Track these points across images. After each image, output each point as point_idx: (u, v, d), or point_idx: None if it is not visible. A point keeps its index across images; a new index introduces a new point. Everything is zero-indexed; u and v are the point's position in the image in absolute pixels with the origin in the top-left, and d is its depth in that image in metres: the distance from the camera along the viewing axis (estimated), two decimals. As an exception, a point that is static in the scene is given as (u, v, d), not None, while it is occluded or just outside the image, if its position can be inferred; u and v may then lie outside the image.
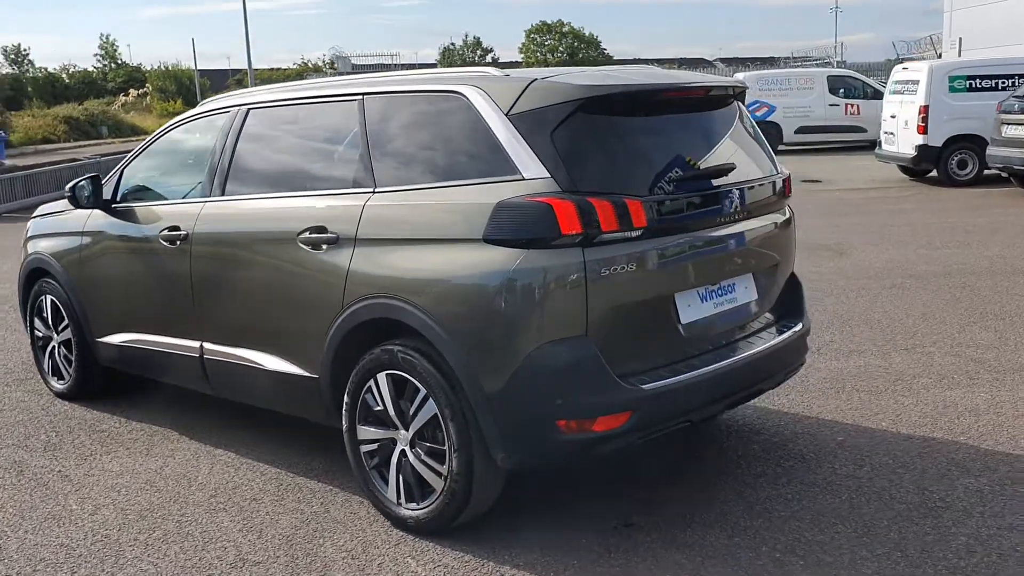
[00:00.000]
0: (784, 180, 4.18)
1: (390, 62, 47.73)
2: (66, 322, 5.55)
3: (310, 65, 79.22)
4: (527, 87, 3.54)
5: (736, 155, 3.93)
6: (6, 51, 76.39)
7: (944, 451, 4.40)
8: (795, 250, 4.41)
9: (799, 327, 4.20)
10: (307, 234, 3.96)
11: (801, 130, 22.36)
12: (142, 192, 5.15)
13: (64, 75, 76.54)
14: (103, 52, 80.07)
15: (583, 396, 3.33)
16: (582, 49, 78.80)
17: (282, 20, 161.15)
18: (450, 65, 79.13)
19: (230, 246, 4.41)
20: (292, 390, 4.17)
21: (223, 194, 4.53)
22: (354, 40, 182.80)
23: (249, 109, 4.58)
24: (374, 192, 3.83)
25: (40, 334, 5.83)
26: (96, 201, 5.14)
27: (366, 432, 3.85)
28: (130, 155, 5.31)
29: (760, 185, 3.98)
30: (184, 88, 65.46)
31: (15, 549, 3.77)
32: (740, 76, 23.50)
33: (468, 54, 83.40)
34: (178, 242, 4.62)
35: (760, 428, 4.80)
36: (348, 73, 45.51)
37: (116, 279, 5.14)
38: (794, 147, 22.73)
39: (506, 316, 3.34)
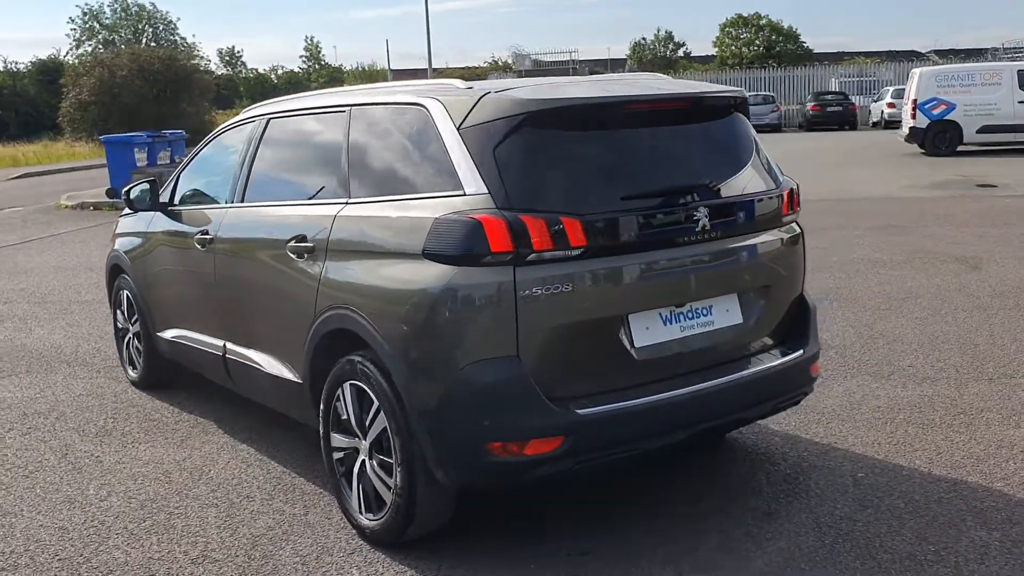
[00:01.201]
0: (782, 196, 3.89)
1: (568, 59, 47.85)
2: (136, 315, 5.94)
3: (500, 63, 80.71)
4: (478, 100, 3.48)
5: (717, 170, 3.71)
6: (221, 53, 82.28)
7: (970, 497, 3.98)
8: (803, 270, 4.10)
9: (797, 354, 3.90)
10: (293, 242, 4.06)
11: (984, 129, 20.68)
12: (193, 195, 5.43)
13: (272, 76, 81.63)
14: (308, 54, 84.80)
15: (512, 418, 3.24)
16: (779, 43, 76.08)
17: (486, 18, 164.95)
18: (640, 61, 78.46)
19: (241, 251, 4.59)
20: (286, 394, 4.29)
21: (243, 200, 4.72)
22: (550, 37, 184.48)
23: (270, 119, 4.75)
24: (347, 203, 3.88)
25: (119, 325, 6.27)
26: (153, 203, 5.47)
27: (336, 440, 3.91)
28: (186, 158, 5.62)
29: (746, 202, 3.73)
30: (378, 87, 68.19)
31: (21, 528, 4.08)
32: (920, 71, 21.99)
33: (660, 49, 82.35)
34: (207, 244, 4.85)
35: (779, 457, 4.51)
36: (526, 72, 46.01)
37: (167, 277, 5.46)
38: (975, 148, 21.07)
39: (437, 333, 3.30)
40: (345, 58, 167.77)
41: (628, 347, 3.43)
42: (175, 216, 5.36)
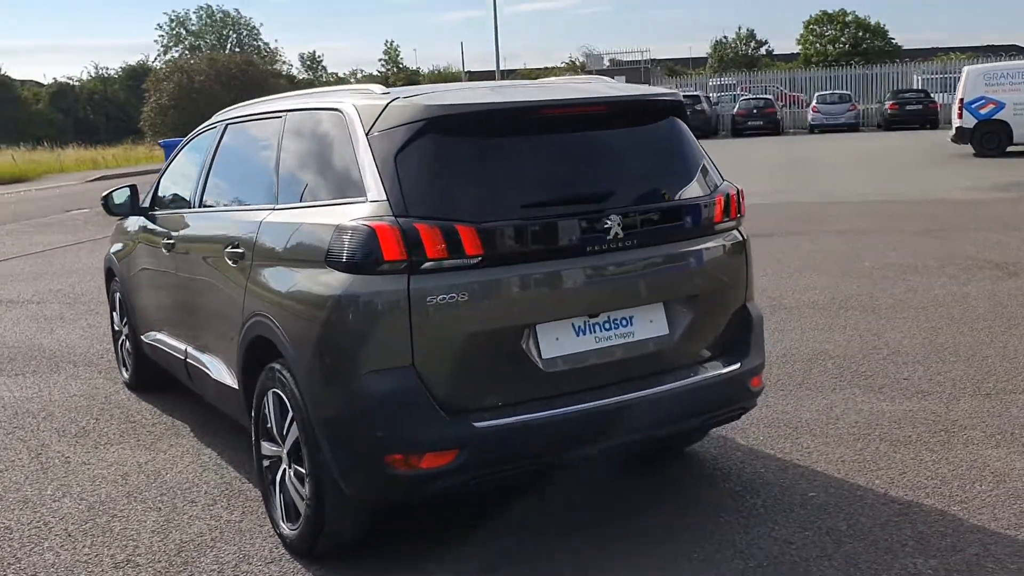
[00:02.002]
0: (713, 203, 3.73)
1: (640, 58, 47.38)
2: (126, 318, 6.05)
3: (576, 63, 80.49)
4: (386, 107, 3.43)
5: (637, 177, 3.58)
6: (303, 58, 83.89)
7: (920, 520, 3.76)
8: (747, 279, 3.93)
9: (732, 368, 3.74)
10: (229, 248, 4.07)
11: (1035, 129, 19.72)
12: (168, 199, 5.50)
13: (352, 79, 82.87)
14: (387, 57, 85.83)
15: (406, 430, 3.18)
16: (866, 39, 74.11)
17: (566, 19, 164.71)
18: (720, 59, 77.30)
19: (192, 256, 4.63)
20: (229, 399, 4.31)
21: (200, 206, 4.76)
22: (631, 37, 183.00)
23: (228, 124, 4.78)
24: (272, 210, 3.87)
25: (115, 327, 6.40)
26: (133, 208, 5.56)
27: (264, 447, 3.90)
28: (166, 162, 5.70)
29: (667, 209, 3.59)
30: (453, 89, 68.71)
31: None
32: (967, 69, 21.09)
33: (740, 47, 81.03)
34: (170, 249, 4.91)
35: (735, 472, 4.34)
36: (596, 72, 45.74)
37: (144, 280, 5.55)
38: (1024, 149, 20.14)
39: (334, 342, 3.26)
40: (426, 61, 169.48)
41: (534, 358, 3.33)
42: (152, 220, 5.44)
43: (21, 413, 5.82)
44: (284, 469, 3.72)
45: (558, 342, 3.39)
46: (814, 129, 37.63)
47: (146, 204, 5.57)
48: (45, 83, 73.16)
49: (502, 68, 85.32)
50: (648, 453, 4.49)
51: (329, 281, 3.28)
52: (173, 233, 4.91)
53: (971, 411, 4.98)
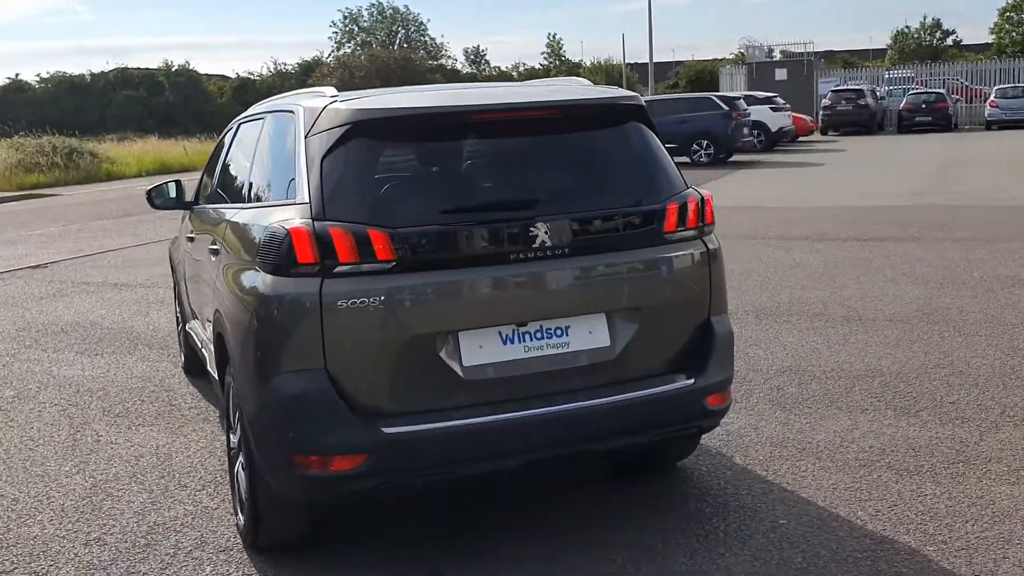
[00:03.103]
0: (663, 211, 3.56)
1: (803, 50, 45.47)
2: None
3: (743, 54, 78.35)
4: (323, 109, 3.46)
5: (577, 183, 3.48)
6: (467, 52, 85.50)
7: (885, 559, 3.49)
8: (711, 292, 3.73)
9: (683, 384, 3.57)
10: (212, 245, 4.22)
11: None
12: (198, 195, 5.74)
13: (514, 73, 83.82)
14: (549, 50, 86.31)
15: (315, 433, 3.21)
16: (1073, 27, 68.51)
17: (740, 8, 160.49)
18: (902, 51, 73.42)
19: (200, 251, 4.82)
20: (216, 391, 4.47)
21: (209, 202, 4.96)
22: (807, 26, 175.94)
23: (240, 123, 4.94)
24: (240, 209, 3.98)
25: (177, 314, 6.75)
26: (178, 202, 5.84)
27: (231, 438, 4.02)
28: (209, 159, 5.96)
29: (605, 217, 3.46)
30: (613, 82, 68.40)
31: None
32: None
33: (925, 37, 76.73)
34: (191, 244, 5.14)
35: (715, 493, 4.15)
36: (757, 65, 44.25)
37: (181, 273, 5.83)
38: None
39: (254, 342, 3.33)
40: (593, 53, 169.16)
41: (454, 366, 3.29)
42: (189, 214, 5.70)
43: (81, 391, 6.23)
44: (238, 460, 3.83)
45: (482, 350, 3.33)
46: (991, 125, 35.23)
47: (190, 199, 5.84)
48: (231, 78, 77.70)
49: (669, 60, 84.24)
50: (634, 463, 4.35)
51: (256, 282, 3.36)
52: (192, 227, 5.14)
53: (1005, 443, 4.56)
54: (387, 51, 48.53)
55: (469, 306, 3.32)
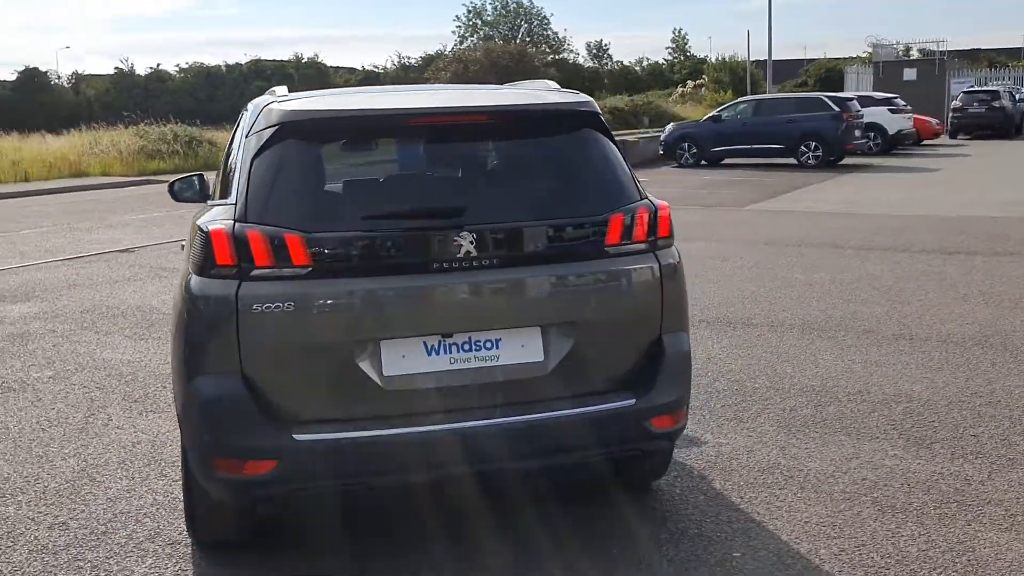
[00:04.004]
0: (605, 223, 3.39)
1: (935, 48, 43.21)
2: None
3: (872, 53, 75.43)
4: (262, 109, 3.44)
5: (510, 192, 3.35)
6: (589, 47, 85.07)
7: (828, 605, 3.23)
8: (662, 308, 3.53)
9: (622, 404, 3.40)
10: (182, 241, 4.27)
11: None
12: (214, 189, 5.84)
13: (637, 68, 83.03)
14: (674, 45, 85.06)
15: (227, 436, 3.20)
16: None
17: (878, 4, 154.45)
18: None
19: None
20: None
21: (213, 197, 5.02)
22: (971, 21, 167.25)
23: (242, 114, 4.98)
24: (204, 207, 4.01)
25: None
26: (201, 196, 5.95)
27: (188, 434, 4.06)
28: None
29: (544, 228, 3.32)
30: (737, 79, 66.80)
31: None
32: None
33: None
34: (196, 238, 5.22)
35: (675, 517, 3.96)
36: (884, 64, 42.38)
37: None
38: None
39: (178, 342, 3.35)
40: (722, 50, 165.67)
41: (373, 375, 3.22)
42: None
43: (112, 375, 6.44)
44: (189, 456, 3.87)
45: (404, 360, 3.25)
46: None
47: (210, 192, 5.94)
48: (357, 70, 79.61)
49: (799, 58, 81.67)
50: (601, 482, 4.19)
51: (185, 281, 3.37)
52: (198, 221, 5.22)
53: (1014, 484, 4.19)
54: (502, 45, 48.65)
55: (389, 315, 3.25)
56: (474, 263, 3.24)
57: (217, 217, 3.31)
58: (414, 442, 3.22)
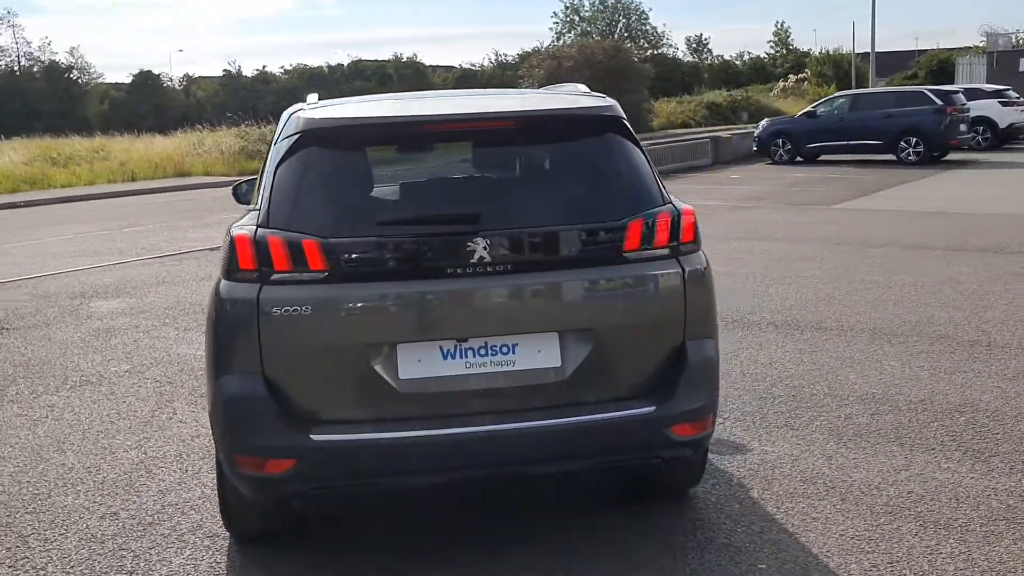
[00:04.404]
0: (622, 229, 3.35)
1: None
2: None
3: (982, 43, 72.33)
4: (290, 116, 3.52)
5: (527, 197, 3.35)
6: (689, 41, 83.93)
7: (849, 623, 3.14)
8: (685, 315, 3.47)
9: (641, 411, 3.36)
10: None
11: None
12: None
13: (738, 62, 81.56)
14: (776, 39, 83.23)
15: (247, 434, 3.30)
16: None
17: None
18: None
19: None
20: None
21: None
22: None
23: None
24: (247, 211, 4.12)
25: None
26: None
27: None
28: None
29: (558, 234, 3.31)
30: (842, 73, 64.95)
31: (54, 462, 4.95)
32: None
33: None
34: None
35: (706, 526, 3.90)
36: (998, 54, 40.58)
37: None
38: None
39: (208, 341, 3.45)
40: (827, 42, 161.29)
41: (389, 378, 3.27)
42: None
43: (185, 370, 6.69)
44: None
45: (420, 364, 3.29)
46: None
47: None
48: (455, 68, 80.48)
49: (910, 49, 78.85)
50: (637, 487, 4.15)
51: (216, 285, 3.47)
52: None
53: (1074, 501, 3.98)
54: (596, 42, 48.29)
55: (405, 319, 3.29)
56: (487, 268, 3.25)
57: (244, 222, 3.41)
58: (429, 445, 3.25)
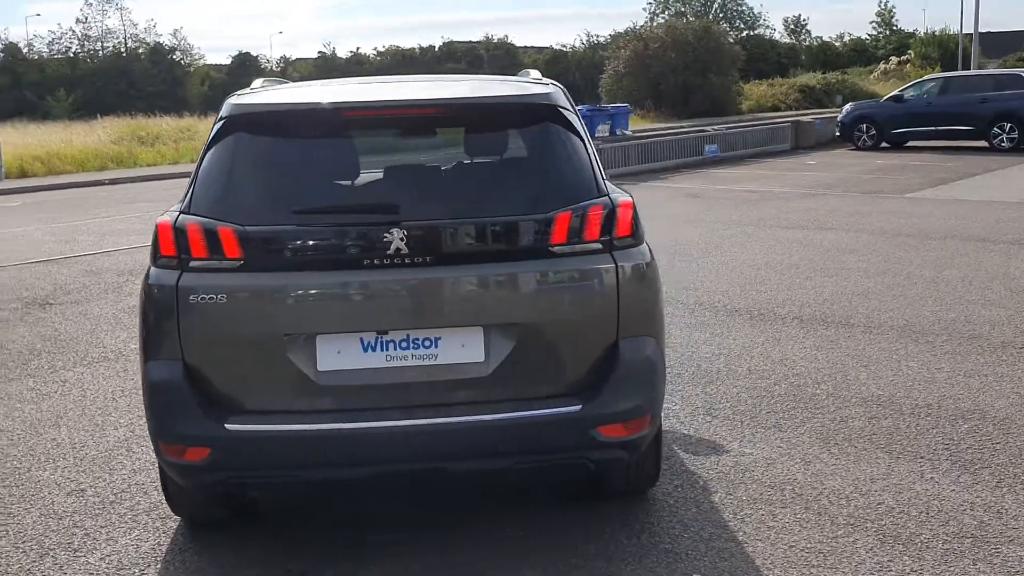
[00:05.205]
0: (549, 221, 3.22)
1: None
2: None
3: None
4: (226, 101, 3.50)
5: (448, 188, 3.26)
6: (787, 22, 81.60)
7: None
8: (619, 313, 3.32)
9: (566, 410, 3.25)
10: None
11: None
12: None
13: (838, 44, 78.95)
14: (879, 19, 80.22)
15: (167, 421, 3.31)
16: None
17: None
18: None
19: None
20: None
21: None
22: None
23: None
24: None
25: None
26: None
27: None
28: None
29: (478, 226, 3.21)
30: (948, 55, 62.23)
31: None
32: None
33: None
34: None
35: (648, 528, 3.76)
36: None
37: None
38: None
39: (140, 327, 3.46)
40: (937, 23, 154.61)
41: (307, 369, 3.23)
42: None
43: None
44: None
45: (340, 356, 3.24)
46: None
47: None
48: (545, 49, 79.98)
49: (1016, 29, 74.90)
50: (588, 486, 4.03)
51: (146, 271, 3.48)
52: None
53: (1058, 521, 3.70)
54: (685, 23, 47.25)
55: (322, 310, 3.25)
56: (405, 260, 3.18)
57: (173, 209, 3.41)
58: (346, 438, 3.21)
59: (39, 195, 19.31)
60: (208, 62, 75.71)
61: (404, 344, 3.26)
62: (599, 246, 3.30)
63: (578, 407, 3.26)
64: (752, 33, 72.20)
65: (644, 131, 25.49)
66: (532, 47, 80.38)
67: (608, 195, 3.37)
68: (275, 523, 4.01)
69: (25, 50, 69.00)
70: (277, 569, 3.57)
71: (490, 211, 3.28)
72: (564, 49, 77.37)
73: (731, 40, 45.62)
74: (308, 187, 3.33)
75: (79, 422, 5.30)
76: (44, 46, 70.63)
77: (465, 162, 3.47)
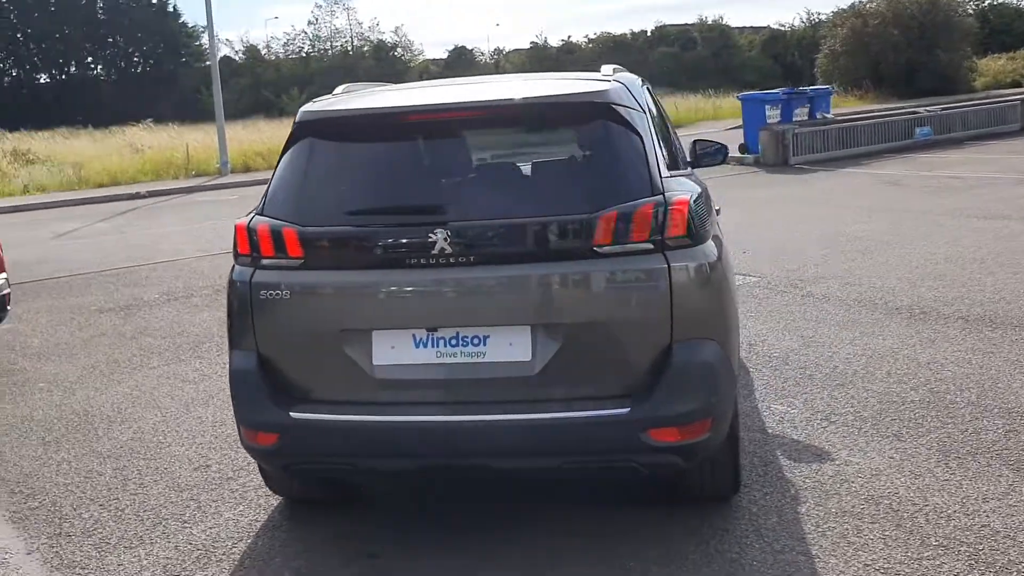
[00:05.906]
0: (592, 223, 3.18)
1: None
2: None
3: None
4: (299, 108, 3.69)
5: (499, 188, 3.28)
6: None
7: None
8: (671, 313, 3.22)
9: (613, 412, 3.21)
10: None
11: None
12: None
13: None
14: None
15: (244, 408, 3.56)
16: None
17: None
18: None
19: None
20: None
21: None
22: None
23: None
24: None
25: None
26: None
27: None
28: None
29: (522, 227, 3.22)
30: None
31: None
32: None
33: None
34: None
35: (739, 537, 3.63)
36: None
37: None
38: None
39: (226, 319, 3.72)
40: None
41: (363, 363, 3.37)
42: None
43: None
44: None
45: (393, 351, 3.36)
46: None
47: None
48: (762, 28, 77.24)
49: None
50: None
51: (231, 267, 3.74)
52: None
53: None
54: (910, -1, 44.23)
55: (374, 307, 3.37)
56: (451, 260, 3.25)
57: (252, 210, 3.65)
58: (397, 431, 3.33)
59: (257, 188, 20.86)
60: (427, 56, 78.72)
61: (453, 341, 3.33)
62: (649, 246, 3.22)
63: (627, 409, 3.21)
64: (995, 2, 66.45)
65: (851, 114, 24.10)
66: (748, 27, 77.84)
67: (663, 193, 3.28)
68: (363, 507, 4.20)
69: (264, 51, 74.47)
70: (354, 551, 3.76)
71: (533, 211, 3.28)
72: (782, 28, 74.38)
73: (968, 12, 42.07)
74: (362, 188, 3.47)
75: (227, 402, 5.72)
76: (280, 47, 75.97)
77: (517, 162, 3.49)
